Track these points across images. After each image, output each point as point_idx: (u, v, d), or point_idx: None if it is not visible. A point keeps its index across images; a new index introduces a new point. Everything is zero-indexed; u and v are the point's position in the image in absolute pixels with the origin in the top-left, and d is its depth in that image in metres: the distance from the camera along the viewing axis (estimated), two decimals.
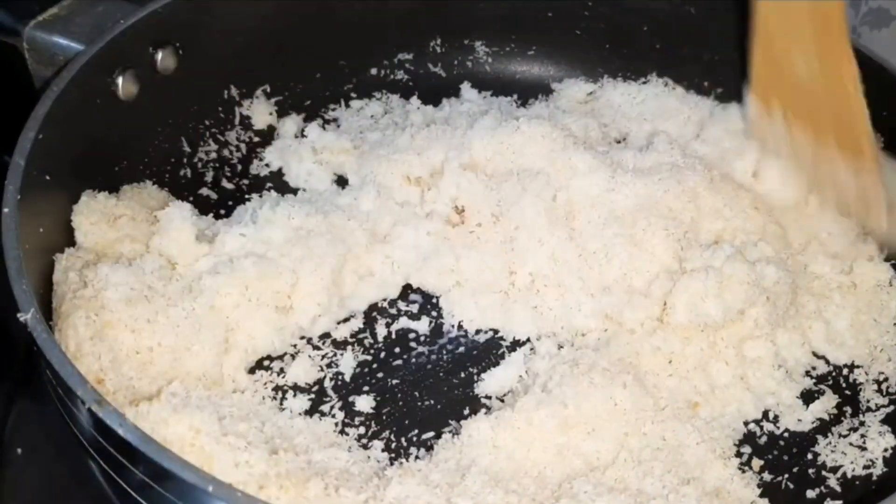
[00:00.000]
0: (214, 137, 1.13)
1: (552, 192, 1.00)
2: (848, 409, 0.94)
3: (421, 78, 1.25)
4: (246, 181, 1.11)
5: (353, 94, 1.22)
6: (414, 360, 0.95)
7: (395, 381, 0.93)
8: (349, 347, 0.95)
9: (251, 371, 0.91)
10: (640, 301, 0.94)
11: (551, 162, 1.02)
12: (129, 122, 0.99)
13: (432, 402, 0.92)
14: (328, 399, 0.90)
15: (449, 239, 1.00)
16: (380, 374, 0.93)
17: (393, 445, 0.87)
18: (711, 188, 1.02)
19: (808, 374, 0.97)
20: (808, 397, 0.95)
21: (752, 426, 0.92)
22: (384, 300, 1.00)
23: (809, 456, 0.91)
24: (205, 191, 1.08)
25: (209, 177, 1.10)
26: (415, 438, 0.88)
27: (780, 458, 0.90)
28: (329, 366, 0.93)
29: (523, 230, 0.97)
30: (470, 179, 1.00)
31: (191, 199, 1.00)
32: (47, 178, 0.86)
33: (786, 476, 0.89)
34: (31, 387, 0.97)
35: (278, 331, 0.91)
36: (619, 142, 1.17)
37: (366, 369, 0.94)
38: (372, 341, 0.96)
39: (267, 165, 1.13)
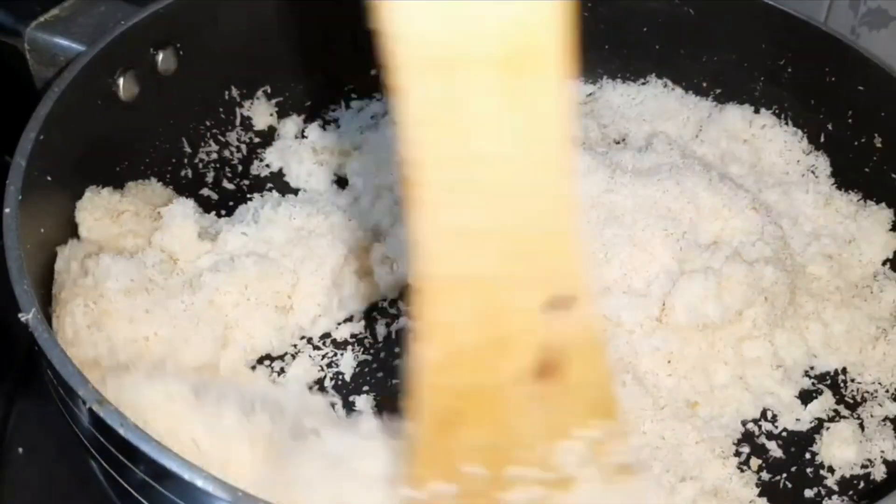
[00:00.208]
0: (215, 138, 1.13)
1: None
2: (846, 409, 0.95)
3: None
4: (246, 181, 1.11)
5: (353, 95, 1.22)
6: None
7: (395, 381, 0.93)
8: (349, 347, 0.96)
9: (252, 368, 0.91)
10: (640, 301, 0.94)
11: None
12: (130, 123, 0.99)
13: None
14: (329, 398, 0.91)
15: None
16: (380, 374, 0.94)
17: None
18: (710, 189, 1.02)
19: (806, 373, 0.97)
20: (806, 397, 0.95)
21: (750, 425, 0.92)
22: (384, 300, 1.00)
23: (808, 455, 0.91)
24: (205, 191, 1.09)
25: (210, 177, 1.10)
26: None
27: (778, 457, 0.90)
28: (329, 365, 0.94)
29: None
30: None
31: (192, 199, 1.00)
32: (48, 178, 0.86)
33: (784, 475, 0.89)
34: (31, 386, 0.97)
35: (278, 330, 0.92)
36: (618, 142, 1.17)
37: (366, 369, 0.94)
38: (372, 341, 0.96)
39: (267, 166, 1.13)
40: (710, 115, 1.19)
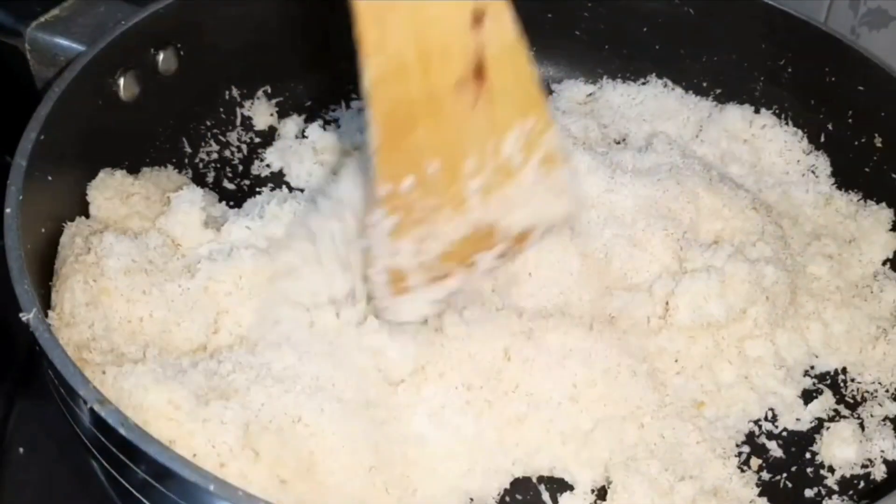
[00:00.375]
0: (216, 138, 1.13)
1: None
2: (847, 409, 0.95)
3: None
4: (247, 182, 1.11)
5: (354, 95, 1.22)
6: None
7: None
8: None
9: None
10: (641, 301, 0.94)
11: None
12: (130, 123, 1.00)
13: None
14: None
15: None
16: None
17: None
18: (710, 188, 1.02)
19: (806, 373, 0.97)
20: (806, 397, 0.95)
21: (750, 425, 0.92)
22: None
23: (808, 455, 0.91)
24: (206, 191, 1.08)
25: (210, 177, 1.10)
26: None
27: (778, 457, 0.90)
28: None
29: None
30: None
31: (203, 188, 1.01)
32: (49, 178, 0.86)
33: (784, 475, 0.89)
34: (32, 386, 0.97)
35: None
36: (618, 142, 1.17)
37: None
38: None
39: (268, 166, 1.13)
40: (710, 115, 1.19)
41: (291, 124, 1.17)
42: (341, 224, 0.87)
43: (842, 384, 0.97)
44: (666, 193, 1.01)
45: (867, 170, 1.11)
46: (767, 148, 1.16)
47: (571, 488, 0.86)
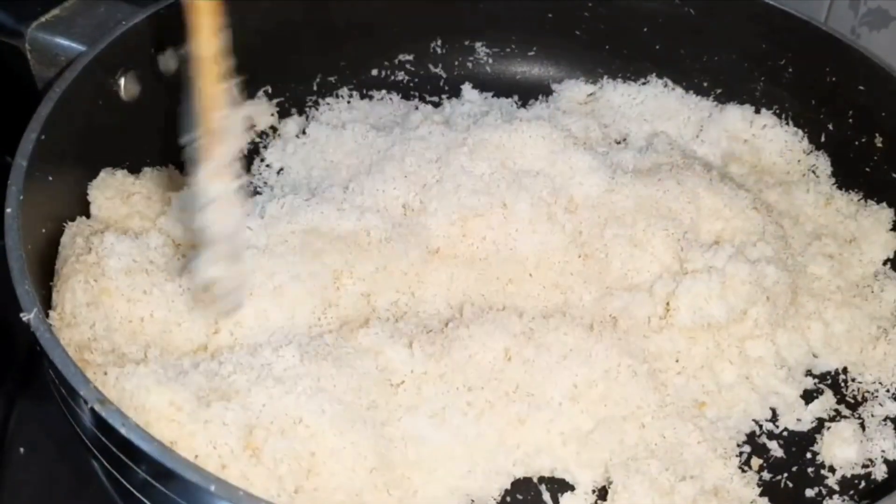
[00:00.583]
0: None
1: (552, 192, 1.00)
2: (847, 409, 0.95)
3: (422, 79, 1.26)
4: (247, 182, 1.11)
5: (354, 95, 1.22)
6: None
7: None
8: None
9: None
10: (642, 302, 0.94)
11: (551, 163, 1.03)
12: (131, 123, 1.00)
13: None
14: None
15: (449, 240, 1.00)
16: None
17: None
18: (711, 189, 1.02)
19: (808, 373, 0.97)
20: (807, 397, 0.95)
21: (751, 425, 0.92)
22: None
23: (809, 455, 0.91)
24: None
25: None
26: None
27: (779, 457, 0.90)
28: None
29: (523, 231, 0.97)
30: (469, 179, 1.01)
31: None
32: (50, 178, 0.86)
33: (785, 475, 0.89)
34: (32, 386, 0.97)
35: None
36: (619, 142, 1.17)
37: None
38: None
39: (268, 166, 1.13)
40: (710, 115, 1.19)
41: (292, 124, 1.17)
42: None
43: (842, 384, 0.97)
44: (666, 193, 1.01)
45: (867, 170, 1.11)
46: (768, 148, 1.16)
47: (572, 489, 0.86)
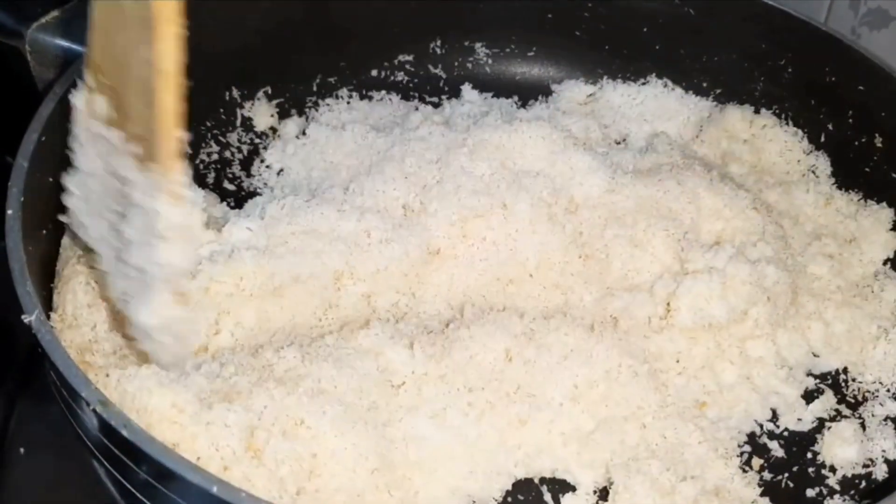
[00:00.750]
0: (216, 139, 1.13)
1: (552, 193, 1.00)
2: (848, 409, 0.95)
3: (421, 79, 1.26)
4: (248, 182, 1.11)
5: (354, 96, 1.22)
6: None
7: None
8: None
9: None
10: (642, 302, 0.95)
11: (551, 163, 1.03)
12: None
13: None
14: None
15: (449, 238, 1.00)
16: None
17: None
18: (711, 189, 1.02)
19: (808, 373, 0.97)
20: (808, 397, 0.95)
21: (752, 425, 0.92)
22: None
23: (809, 455, 0.91)
24: (207, 192, 1.08)
25: (211, 178, 1.10)
26: None
27: (780, 457, 0.90)
28: None
29: (523, 232, 0.97)
30: (469, 179, 1.01)
31: (204, 189, 1.01)
32: (50, 179, 0.86)
33: (786, 475, 0.89)
34: (33, 387, 0.97)
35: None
36: (619, 143, 1.18)
37: None
38: None
39: (268, 167, 1.13)
40: (710, 115, 1.19)
41: (291, 125, 1.17)
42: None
43: (843, 384, 0.97)
44: (667, 194, 1.01)
45: (867, 170, 1.11)
46: (768, 148, 1.16)
47: (573, 489, 0.86)
